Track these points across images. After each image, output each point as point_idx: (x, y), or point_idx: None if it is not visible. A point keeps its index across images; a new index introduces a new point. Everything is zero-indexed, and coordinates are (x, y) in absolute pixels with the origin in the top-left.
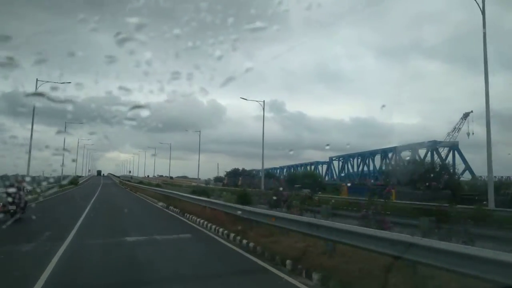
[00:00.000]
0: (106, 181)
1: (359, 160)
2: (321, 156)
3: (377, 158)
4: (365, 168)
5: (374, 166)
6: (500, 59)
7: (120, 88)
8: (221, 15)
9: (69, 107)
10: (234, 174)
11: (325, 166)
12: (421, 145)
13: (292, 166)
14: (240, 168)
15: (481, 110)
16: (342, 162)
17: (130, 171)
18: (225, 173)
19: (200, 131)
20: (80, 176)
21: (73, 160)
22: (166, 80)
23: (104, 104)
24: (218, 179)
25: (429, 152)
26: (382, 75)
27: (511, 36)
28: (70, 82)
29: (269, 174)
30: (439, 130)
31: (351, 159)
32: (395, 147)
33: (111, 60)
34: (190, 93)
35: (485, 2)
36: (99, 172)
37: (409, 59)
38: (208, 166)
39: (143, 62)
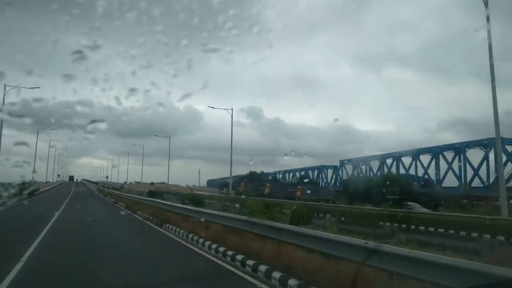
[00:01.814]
0: (78, 188)
1: (380, 163)
2: (298, 163)
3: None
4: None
5: (405, 168)
6: (469, 69)
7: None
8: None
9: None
10: (251, 179)
11: (330, 171)
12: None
13: (289, 171)
14: (258, 172)
15: (451, 118)
16: (357, 166)
17: (107, 176)
18: (230, 178)
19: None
20: (46, 182)
21: (24, 162)
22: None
23: (64, 118)
24: (223, 185)
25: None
26: (358, 82)
27: (481, 46)
28: (39, 87)
29: (310, 180)
30: (414, 137)
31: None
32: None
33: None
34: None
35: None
36: (71, 178)
37: (384, 67)
38: (185, 173)
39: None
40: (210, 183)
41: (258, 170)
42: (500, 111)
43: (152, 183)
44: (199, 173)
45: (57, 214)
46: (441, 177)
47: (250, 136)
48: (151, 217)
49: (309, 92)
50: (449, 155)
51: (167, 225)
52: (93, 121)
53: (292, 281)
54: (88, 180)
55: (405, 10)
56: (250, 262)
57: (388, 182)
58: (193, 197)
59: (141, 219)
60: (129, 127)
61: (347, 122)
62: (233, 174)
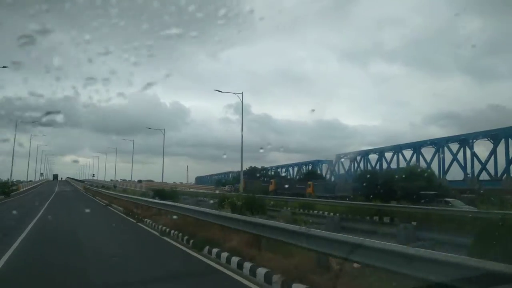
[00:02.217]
0: (63, 188)
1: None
2: (286, 158)
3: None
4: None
5: (406, 160)
6: (456, 63)
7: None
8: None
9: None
10: (252, 175)
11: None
12: None
13: (281, 166)
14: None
15: (439, 112)
16: (354, 161)
17: (93, 174)
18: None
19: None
20: (29, 181)
21: None
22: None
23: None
24: (218, 182)
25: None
26: (345, 77)
27: (467, 40)
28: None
29: (314, 174)
30: (401, 131)
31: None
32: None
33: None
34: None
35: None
36: (55, 176)
37: (371, 62)
38: (171, 170)
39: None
40: (199, 180)
41: (246, 166)
42: (483, 104)
43: (139, 181)
44: (187, 170)
45: (33, 221)
46: (445, 170)
47: (239, 132)
48: (172, 231)
49: (297, 87)
50: (453, 147)
51: (213, 249)
52: (48, 113)
53: None
54: (73, 179)
55: (392, 4)
56: None
57: (406, 176)
58: (250, 201)
59: (156, 233)
60: (113, 124)
61: (334, 117)
62: (229, 170)
